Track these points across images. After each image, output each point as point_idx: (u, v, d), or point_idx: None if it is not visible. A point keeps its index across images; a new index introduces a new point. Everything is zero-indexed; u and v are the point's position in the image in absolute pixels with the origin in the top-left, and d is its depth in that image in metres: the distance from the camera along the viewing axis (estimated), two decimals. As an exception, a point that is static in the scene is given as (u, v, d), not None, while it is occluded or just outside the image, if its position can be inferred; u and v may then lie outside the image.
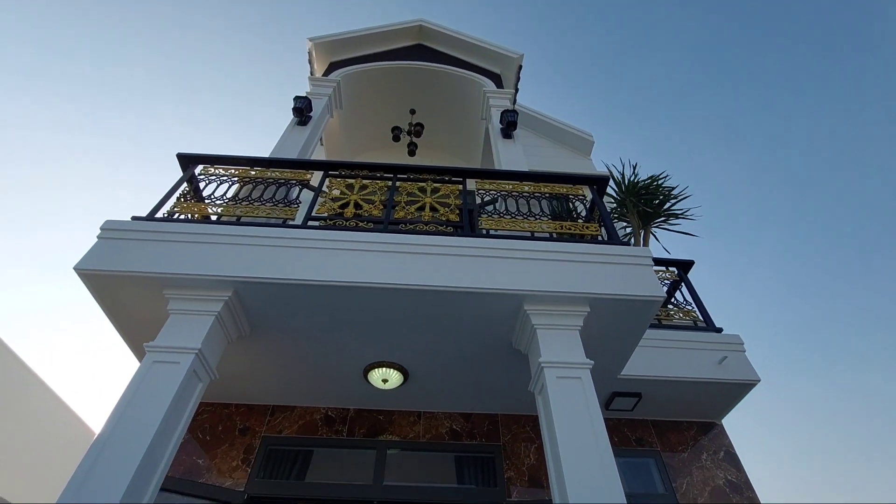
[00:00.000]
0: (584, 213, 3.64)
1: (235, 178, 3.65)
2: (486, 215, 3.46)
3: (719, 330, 4.02)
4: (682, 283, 4.50)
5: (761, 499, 3.60)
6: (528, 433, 3.85)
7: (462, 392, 3.73)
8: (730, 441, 3.95)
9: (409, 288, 2.79)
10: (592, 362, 2.61)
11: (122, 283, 2.86)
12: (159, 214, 3.25)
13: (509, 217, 3.43)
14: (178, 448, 2.47)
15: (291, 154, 4.56)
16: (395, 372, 3.42)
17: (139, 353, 3.35)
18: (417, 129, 6.69)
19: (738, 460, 3.83)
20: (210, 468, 3.53)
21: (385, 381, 3.46)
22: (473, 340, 3.15)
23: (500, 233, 3.35)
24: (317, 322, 3.06)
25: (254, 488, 3.40)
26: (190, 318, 2.74)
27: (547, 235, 3.36)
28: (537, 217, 3.44)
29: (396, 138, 6.77)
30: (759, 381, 3.66)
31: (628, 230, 5.43)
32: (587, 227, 3.39)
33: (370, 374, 3.46)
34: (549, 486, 3.52)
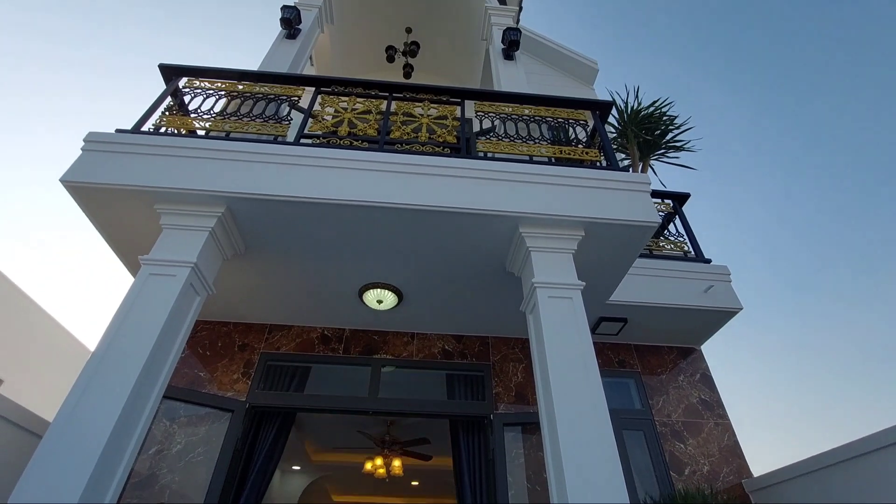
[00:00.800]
0: (584, 140, 3.56)
1: (222, 93, 3.47)
2: (483, 138, 3.37)
3: (708, 261, 4.10)
4: (676, 216, 4.53)
5: (730, 416, 3.88)
6: (517, 354, 4.02)
7: (455, 314, 3.84)
8: (706, 365, 4.18)
9: (404, 207, 2.76)
10: (584, 283, 2.67)
11: (112, 197, 2.79)
12: (145, 128, 3.13)
13: (508, 140, 3.34)
14: (178, 361, 2.54)
15: (280, 70, 4.32)
16: (390, 293, 3.48)
17: (133, 269, 3.36)
18: (413, 49, 6.32)
19: (713, 382, 4.07)
20: (212, 380, 3.69)
21: (380, 301, 3.53)
22: (468, 263, 3.19)
23: (497, 156, 3.28)
24: (311, 242, 3.06)
25: (255, 398, 3.57)
26: (183, 233, 2.71)
27: (545, 160, 3.29)
28: (536, 141, 3.36)
29: (391, 59, 6.41)
30: (741, 308, 3.80)
31: (626, 163, 5.35)
32: (587, 153, 3.33)
33: (365, 294, 3.52)
34: (534, 402, 3.75)
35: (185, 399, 3.39)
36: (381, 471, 6.01)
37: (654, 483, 3.41)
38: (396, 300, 3.57)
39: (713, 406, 3.90)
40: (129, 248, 3.16)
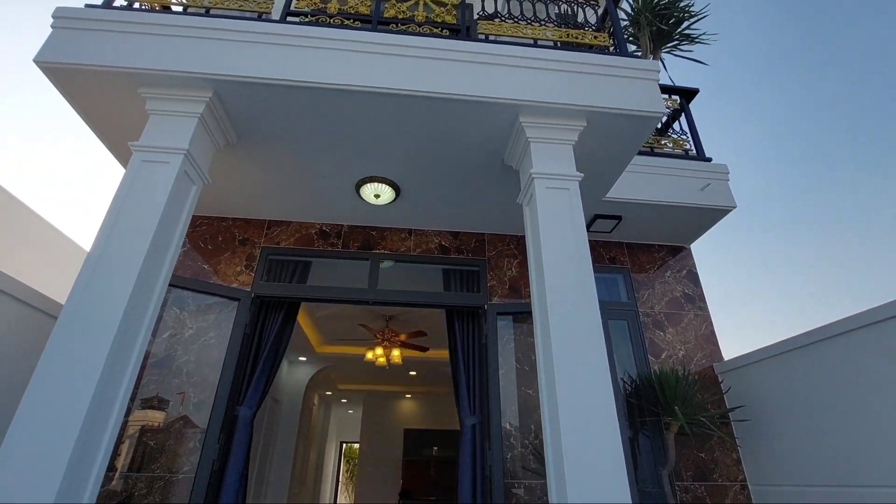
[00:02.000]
0: (594, 24, 3.31)
1: (196, -39, 3.12)
2: (485, 20, 3.12)
3: (708, 159, 4.06)
4: (682, 113, 4.38)
5: (710, 308, 4.11)
6: (512, 250, 4.14)
7: (452, 211, 3.88)
8: (693, 262, 4.33)
9: (399, 93, 2.64)
10: (582, 175, 2.66)
11: (92, 80, 2.64)
12: (117, 3, 2.87)
13: (511, 21, 3.10)
14: (180, 253, 2.59)
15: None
16: (387, 187, 3.47)
17: (123, 159, 3.29)
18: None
19: (698, 278, 4.25)
20: (215, 273, 3.81)
21: (377, 196, 3.53)
22: (466, 155, 3.14)
23: (501, 39, 3.07)
24: (304, 131, 2.97)
25: (260, 289, 3.72)
26: (172, 119, 2.61)
27: (551, 45, 3.09)
28: (542, 23, 3.12)
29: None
30: (735, 207, 3.84)
31: (637, 54, 5.03)
32: (596, 38, 3.12)
33: (362, 189, 3.51)
34: (526, 295, 3.94)
35: (192, 288, 3.52)
36: (382, 360, 6.48)
37: (633, 365, 3.72)
38: (394, 195, 3.57)
39: (695, 299, 4.12)
40: (117, 136, 3.06)
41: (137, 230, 2.29)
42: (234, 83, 2.62)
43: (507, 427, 3.38)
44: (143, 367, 3.23)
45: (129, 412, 3.08)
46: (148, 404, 3.25)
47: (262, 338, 3.73)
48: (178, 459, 3.12)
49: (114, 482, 2.99)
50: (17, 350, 2.85)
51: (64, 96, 2.80)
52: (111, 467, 2.95)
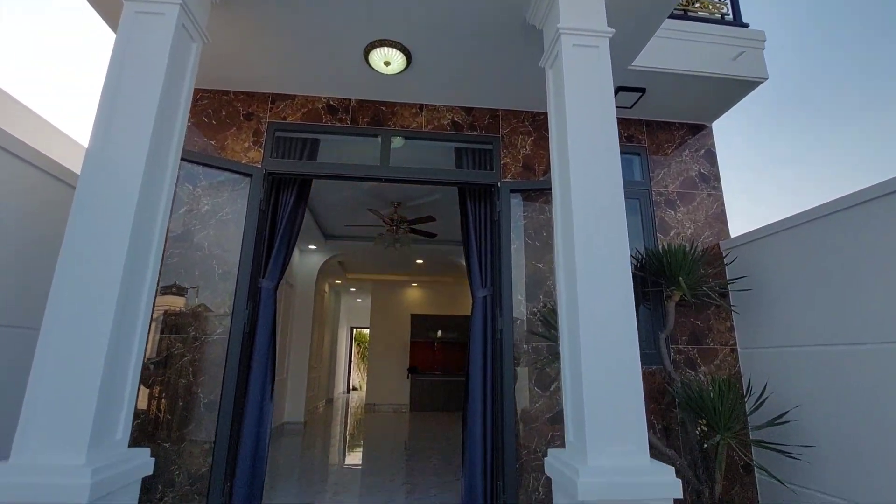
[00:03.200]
0: None
1: None
2: None
3: (745, 25, 3.73)
4: (722, -30, 3.92)
5: (724, 188, 4.09)
6: (527, 127, 4.00)
7: (465, 84, 3.67)
8: (713, 141, 4.21)
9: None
10: (613, 31, 2.45)
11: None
12: None
13: None
14: (187, 119, 2.47)
15: None
16: (398, 53, 3.24)
17: (111, 20, 3.03)
18: None
19: (715, 157, 4.17)
20: (223, 149, 3.72)
21: (387, 63, 3.31)
22: (483, 11, 2.87)
23: None
24: (308, -18, 2.68)
25: (270, 165, 3.67)
26: (160, -38, 2.34)
27: None
28: None
29: None
30: (766, 78, 3.62)
31: None
32: None
33: (371, 55, 3.28)
34: (539, 173, 3.89)
35: (204, 163, 3.46)
36: (391, 245, 6.65)
37: (642, 241, 3.81)
38: (405, 62, 3.34)
39: (710, 179, 4.08)
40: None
41: (142, 91, 2.17)
42: (226, -84, 2.30)
43: (518, 298, 3.56)
44: (165, 242, 3.32)
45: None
46: (168, 290, 3.32)
47: (277, 214, 3.77)
48: (210, 324, 3.35)
49: (148, 348, 3.23)
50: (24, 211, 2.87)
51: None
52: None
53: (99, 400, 1.78)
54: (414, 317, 12.29)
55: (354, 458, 6.15)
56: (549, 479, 3.28)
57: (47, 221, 2.85)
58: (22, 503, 1.61)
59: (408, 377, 11.70)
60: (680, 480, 1.82)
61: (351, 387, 18.81)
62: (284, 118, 3.82)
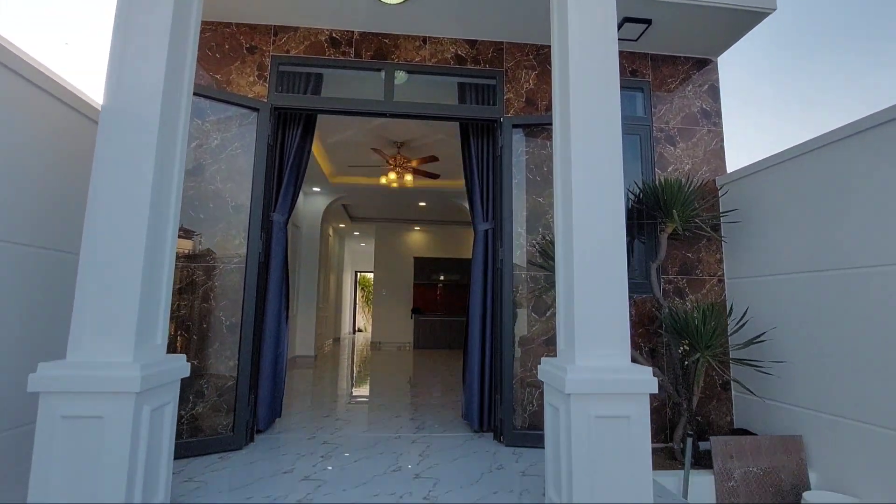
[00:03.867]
0: None
1: None
2: None
3: (758, -50, 3.61)
4: None
5: (724, 125, 4.13)
6: (531, 61, 3.98)
7: (469, 13, 3.62)
8: (718, 76, 4.19)
9: None
10: (618, -45, 2.44)
11: None
12: None
13: None
14: (197, 46, 2.48)
15: None
16: (402, -19, 3.19)
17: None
18: None
19: (718, 93, 4.17)
20: (229, 83, 3.76)
21: (391, -8, 3.27)
22: (490, -64, 2.82)
23: None
24: None
25: (276, 100, 3.72)
26: None
27: None
28: None
29: None
30: (774, 9, 3.56)
31: None
32: None
33: (374, -17, 3.24)
34: (542, 108, 3.93)
35: (213, 97, 3.50)
36: (395, 184, 6.75)
37: (639, 176, 3.92)
38: (408, -9, 3.30)
39: (711, 115, 4.11)
40: None
41: (153, 20, 2.21)
42: None
43: (518, 230, 3.73)
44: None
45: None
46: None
47: (285, 149, 3.86)
48: (227, 251, 3.54)
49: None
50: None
51: None
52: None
53: (140, 306, 1.99)
54: (417, 260, 12.57)
55: (362, 389, 6.61)
56: (541, 394, 3.60)
57: (70, 153, 2.96)
58: (84, 391, 1.86)
59: (411, 318, 12.17)
60: (656, 379, 2.07)
61: (356, 328, 19.56)
62: (288, 51, 3.82)
